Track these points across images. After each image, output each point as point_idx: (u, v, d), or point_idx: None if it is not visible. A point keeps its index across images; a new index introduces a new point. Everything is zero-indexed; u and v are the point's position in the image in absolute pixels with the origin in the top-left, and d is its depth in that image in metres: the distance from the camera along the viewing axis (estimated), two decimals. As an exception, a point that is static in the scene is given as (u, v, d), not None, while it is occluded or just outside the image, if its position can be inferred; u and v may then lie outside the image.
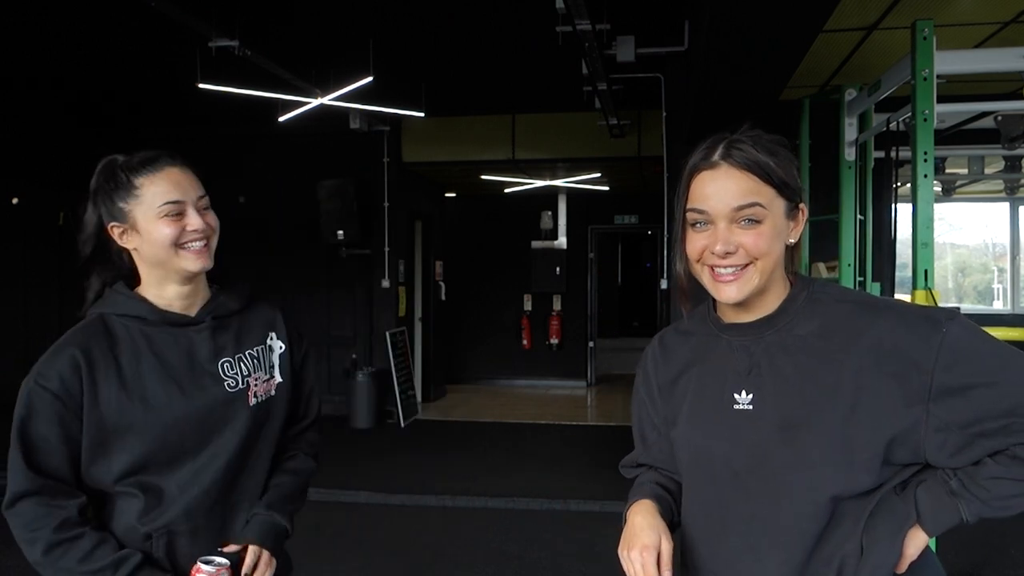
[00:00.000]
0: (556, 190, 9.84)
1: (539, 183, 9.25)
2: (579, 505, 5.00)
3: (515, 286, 10.20)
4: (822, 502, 1.01)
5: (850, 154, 4.61)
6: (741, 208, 1.04)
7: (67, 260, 8.06)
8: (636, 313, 15.41)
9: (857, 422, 1.00)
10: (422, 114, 6.47)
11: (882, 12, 4.46)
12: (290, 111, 6.25)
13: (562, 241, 10.10)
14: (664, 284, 5.90)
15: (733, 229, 1.05)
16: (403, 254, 8.32)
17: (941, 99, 3.24)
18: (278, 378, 1.48)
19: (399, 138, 7.96)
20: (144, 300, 1.38)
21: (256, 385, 1.43)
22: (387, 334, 7.64)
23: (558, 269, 10.01)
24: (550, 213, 10.11)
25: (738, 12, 3.40)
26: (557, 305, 10.17)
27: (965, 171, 6.59)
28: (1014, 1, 4.27)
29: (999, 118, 4.71)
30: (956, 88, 4.79)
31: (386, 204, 7.79)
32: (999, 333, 3.77)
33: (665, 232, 6.74)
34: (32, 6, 4.80)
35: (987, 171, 6.51)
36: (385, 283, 7.84)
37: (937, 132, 3.31)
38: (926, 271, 3.18)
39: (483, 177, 8.85)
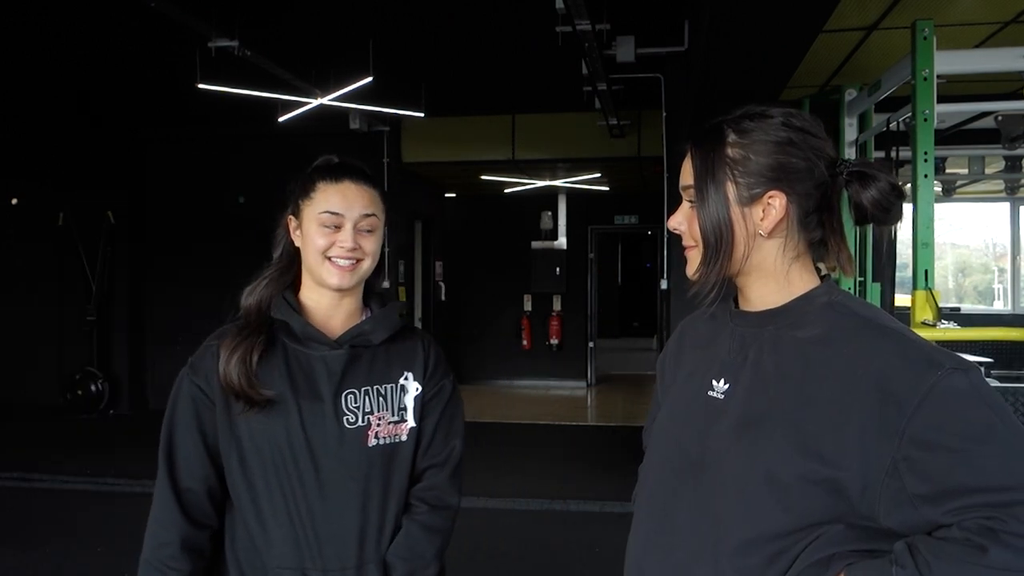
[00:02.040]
0: (556, 190, 9.84)
1: (539, 183, 9.25)
2: (579, 505, 4.99)
3: (515, 286, 10.19)
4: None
5: (850, 154, 4.62)
6: (686, 188, 1.07)
7: (67, 260, 8.09)
8: (636, 313, 15.42)
9: (813, 439, 0.91)
10: (422, 114, 6.47)
11: (882, 12, 4.46)
12: (290, 111, 6.24)
13: (562, 241, 10.10)
14: (664, 284, 5.89)
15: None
16: (403, 254, 8.32)
17: (941, 99, 3.24)
18: (410, 422, 1.38)
19: (399, 138, 7.96)
20: (299, 312, 1.36)
21: (379, 425, 1.35)
22: (387, 334, 7.62)
23: (558, 269, 10.00)
24: (550, 213, 10.11)
25: (738, 12, 3.39)
26: (557, 305, 10.17)
27: (965, 171, 6.59)
28: (1014, 1, 4.27)
29: (999, 118, 4.71)
30: (956, 88, 4.79)
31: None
32: (999, 333, 3.77)
33: (665, 232, 6.73)
34: (32, 6, 4.80)
35: (987, 171, 6.51)
36: (385, 283, 7.80)
37: (937, 132, 3.31)
38: (926, 271, 3.18)
39: (483, 177, 8.85)
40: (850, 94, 4.70)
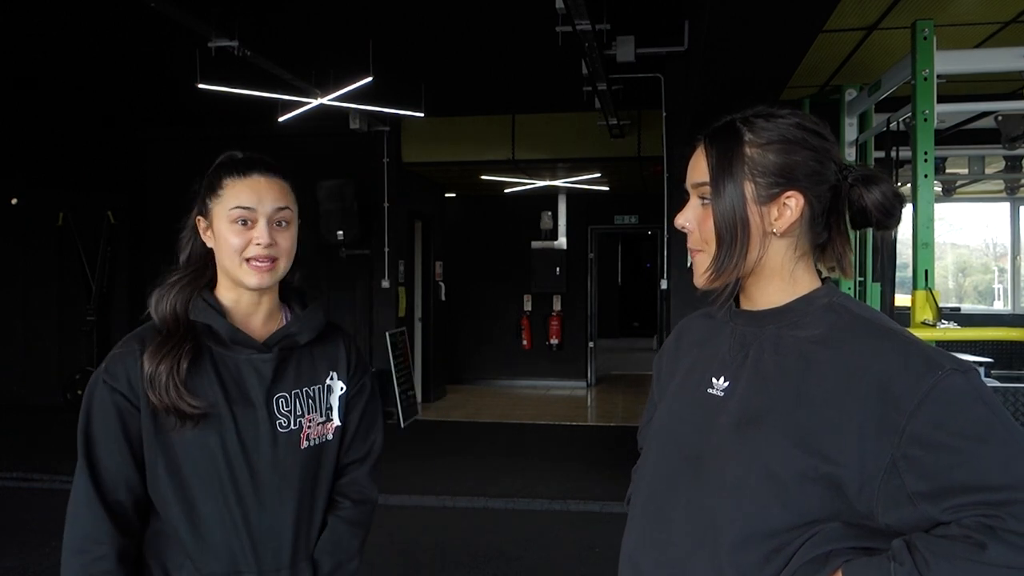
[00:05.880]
0: (556, 190, 9.84)
1: (539, 183, 9.25)
2: (579, 505, 4.99)
3: (515, 286, 10.19)
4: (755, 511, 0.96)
5: (850, 154, 4.62)
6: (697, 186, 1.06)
7: (67, 260, 8.09)
8: (636, 313, 15.42)
9: (812, 437, 0.92)
10: (422, 114, 6.47)
11: (882, 12, 4.46)
12: (290, 111, 6.24)
13: (562, 241, 10.10)
14: (664, 284, 5.89)
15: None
16: (403, 254, 8.32)
17: (941, 99, 3.25)
18: (336, 421, 1.40)
19: (399, 138, 7.96)
20: (222, 314, 1.32)
21: (310, 427, 1.35)
22: (387, 334, 7.63)
23: (558, 269, 10.00)
24: (550, 213, 10.10)
25: (738, 12, 3.39)
26: (557, 305, 10.17)
27: (965, 171, 6.59)
28: (1014, 1, 4.27)
29: (999, 118, 4.71)
30: (956, 88, 4.79)
31: (386, 204, 7.79)
32: (999, 333, 3.78)
33: (665, 232, 6.73)
34: (32, 6, 4.80)
35: (987, 171, 6.51)
36: (385, 283, 7.84)
37: (937, 132, 3.31)
38: (926, 271, 3.18)
39: (483, 177, 8.85)
40: (850, 94, 4.70)
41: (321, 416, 1.37)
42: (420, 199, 8.85)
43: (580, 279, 10.15)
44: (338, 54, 5.69)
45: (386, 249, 7.79)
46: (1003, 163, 5.97)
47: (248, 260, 1.29)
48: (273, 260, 1.30)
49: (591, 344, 10.17)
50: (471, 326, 10.29)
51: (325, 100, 5.90)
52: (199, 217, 1.35)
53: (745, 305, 1.09)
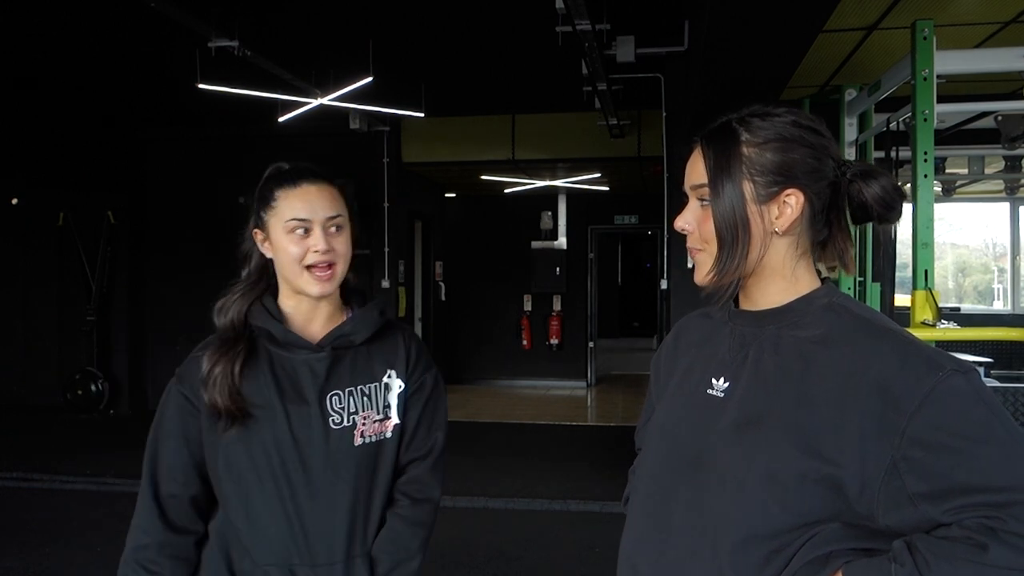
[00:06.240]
0: (556, 190, 9.84)
1: (539, 183, 9.25)
2: (579, 505, 4.99)
3: (515, 286, 10.19)
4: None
5: (850, 155, 4.61)
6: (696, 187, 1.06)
7: (67, 260, 8.09)
8: (636, 313, 15.41)
9: (812, 438, 0.92)
10: (422, 114, 6.47)
11: (882, 12, 4.46)
12: (290, 111, 6.24)
13: (562, 241, 10.10)
14: (664, 284, 5.89)
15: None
16: (403, 254, 8.32)
17: (941, 99, 3.24)
18: (394, 419, 1.41)
19: (399, 138, 7.96)
20: (280, 318, 1.38)
21: (365, 424, 1.37)
22: (387, 334, 7.62)
23: (558, 269, 10.01)
24: (550, 213, 10.11)
25: (738, 12, 3.39)
26: (557, 305, 10.17)
27: (965, 171, 6.59)
28: (1014, 1, 4.27)
29: (999, 118, 4.71)
30: (956, 88, 4.79)
31: (386, 204, 7.79)
32: (999, 333, 3.77)
33: (665, 232, 6.74)
34: (32, 6, 4.80)
35: (987, 171, 6.51)
36: (385, 283, 7.84)
37: (937, 132, 3.31)
38: (926, 271, 3.18)
39: (483, 177, 8.85)
40: (850, 94, 4.70)
41: (378, 414, 1.39)
42: (420, 199, 8.85)
43: (580, 279, 10.15)
44: (338, 54, 5.69)
45: (386, 249, 7.79)
46: (1003, 163, 5.97)
47: (309, 268, 1.34)
48: (331, 265, 1.35)
49: (591, 344, 10.17)
50: (471, 326, 10.29)
51: (325, 100, 5.90)
52: (256, 229, 1.40)
53: (745, 305, 1.09)
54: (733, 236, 1.01)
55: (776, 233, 1.02)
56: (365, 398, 1.38)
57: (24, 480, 5.53)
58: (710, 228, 1.03)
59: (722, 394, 1.04)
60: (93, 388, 7.79)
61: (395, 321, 1.51)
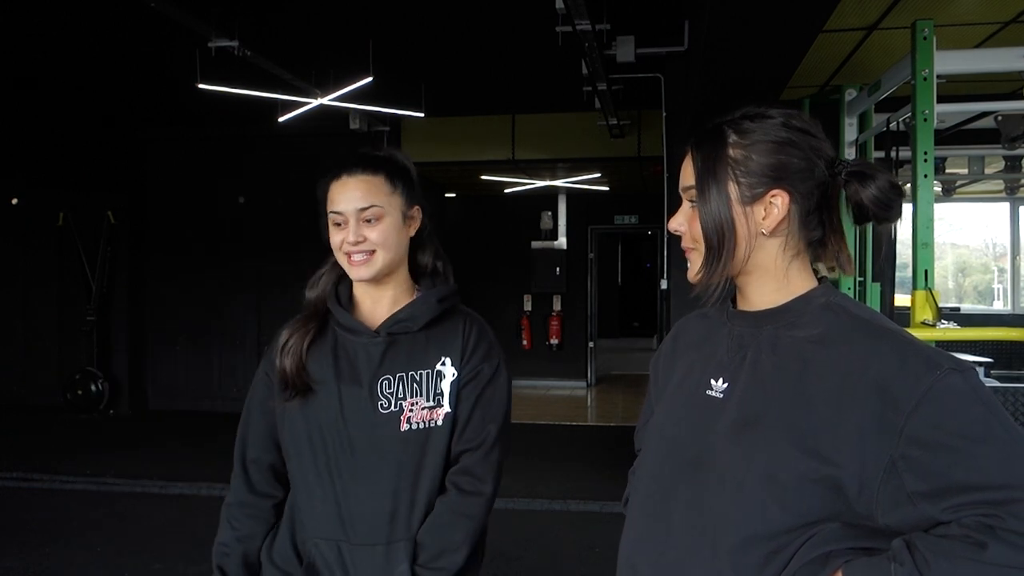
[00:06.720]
0: (556, 190, 9.84)
1: (539, 183, 9.25)
2: (579, 505, 5.00)
3: (515, 286, 10.19)
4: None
5: (850, 154, 4.61)
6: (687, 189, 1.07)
7: (67, 260, 8.09)
8: (636, 313, 15.40)
9: (811, 438, 0.92)
10: (422, 114, 6.47)
11: (882, 12, 4.46)
12: (290, 111, 6.24)
13: (562, 241, 10.10)
14: (664, 284, 5.89)
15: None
16: (403, 254, 8.31)
17: (941, 99, 3.24)
18: (445, 407, 1.38)
19: (399, 138, 7.95)
20: (348, 302, 1.45)
21: (412, 411, 1.37)
22: (387, 334, 7.63)
23: (558, 269, 10.01)
24: (550, 213, 10.11)
25: (738, 12, 3.39)
26: (557, 305, 10.17)
27: (965, 171, 6.59)
28: (1014, 1, 4.27)
29: (999, 118, 4.71)
30: (956, 88, 4.79)
31: (386, 204, 7.78)
32: (999, 333, 3.77)
33: (665, 232, 6.73)
34: (32, 6, 4.80)
35: (987, 171, 6.51)
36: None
37: (937, 132, 3.31)
38: (926, 271, 3.18)
39: (483, 177, 8.85)
40: (850, 94, 4.70)
41: (428, 401, 1.38)
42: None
43: (580, 279, 10.15)
44: (338, 54, 5.69)
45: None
46: (1003, 163, 5.97)
47: (348, 256, 1.39)
48: (369, 253, 1.38)
49: (591, 344, 10.17)
50: (471, 326, 10.27)
51: (325, 100, 5.90)
52: (325, 220, 1.45)
53: (742, 306, 1.10)
54: (719, 237, 1.02)
55: (763, 234, 1.02)
56: (415, 384, 1.38)
57: (24, 480, 5.53)
58: (699, 228, 1.04)
59: (721, 395, 1.04)
60: (93, 388, 7.78)
61: (460, 308, 1.51)
